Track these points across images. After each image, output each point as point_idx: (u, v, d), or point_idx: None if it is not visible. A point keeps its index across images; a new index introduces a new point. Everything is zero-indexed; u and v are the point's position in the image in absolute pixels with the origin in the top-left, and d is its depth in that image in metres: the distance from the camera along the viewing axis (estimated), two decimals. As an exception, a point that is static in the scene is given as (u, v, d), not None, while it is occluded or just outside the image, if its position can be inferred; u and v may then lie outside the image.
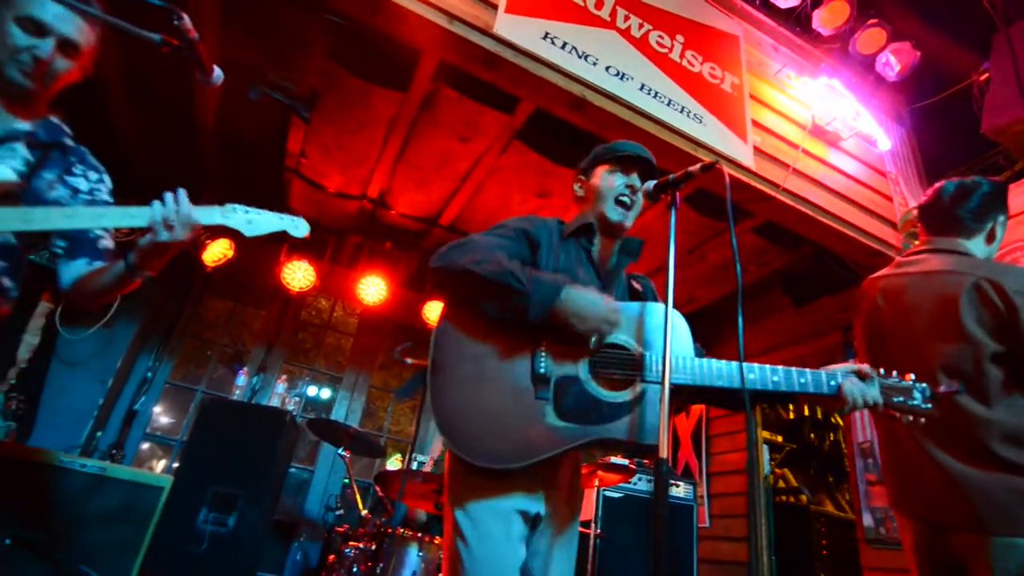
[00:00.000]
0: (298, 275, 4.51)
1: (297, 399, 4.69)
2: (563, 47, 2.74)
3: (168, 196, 1.34)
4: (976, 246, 1.83)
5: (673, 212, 1.44)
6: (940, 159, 3.89)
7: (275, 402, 4.31)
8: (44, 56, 1.35)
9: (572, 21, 2.85)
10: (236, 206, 1.42)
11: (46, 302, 3.65)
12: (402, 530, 2.86)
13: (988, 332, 1.61)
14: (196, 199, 1.37)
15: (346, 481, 4.56)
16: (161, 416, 8.07)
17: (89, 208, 1.41)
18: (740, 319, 1.35)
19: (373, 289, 4.61)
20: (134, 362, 4.47)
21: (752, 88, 3.41)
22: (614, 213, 1.62)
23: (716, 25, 3.45)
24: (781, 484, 4.94)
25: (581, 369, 1.41)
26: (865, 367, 1.47)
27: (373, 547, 2.85)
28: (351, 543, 3.03)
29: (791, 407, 5.40)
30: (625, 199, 1.63)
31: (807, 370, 1.43)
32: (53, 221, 1.29)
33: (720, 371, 1.40)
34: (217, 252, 4.20)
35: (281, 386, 4.44)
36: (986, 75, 3.50)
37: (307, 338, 6.24)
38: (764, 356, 4.48)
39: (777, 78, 3.62)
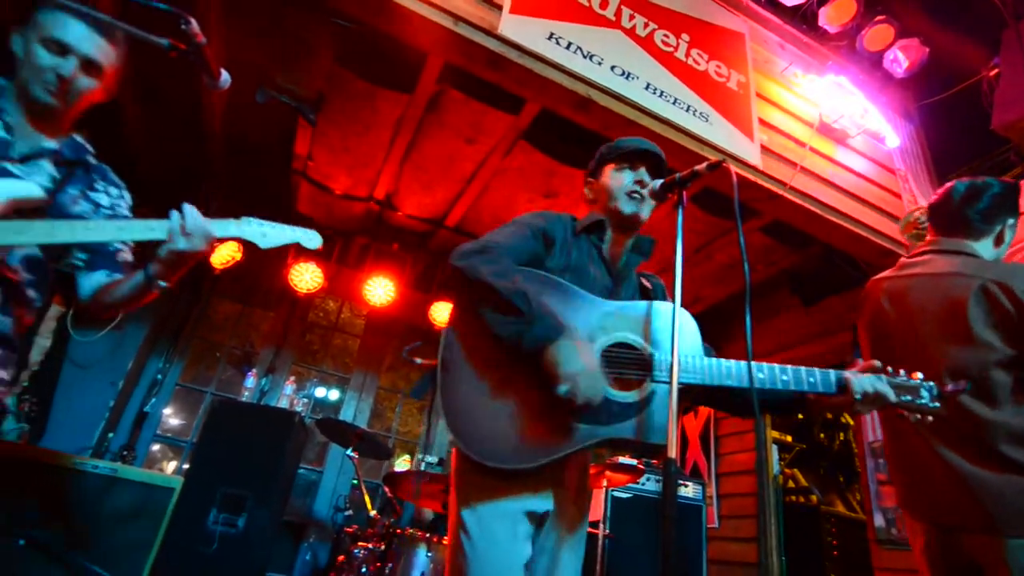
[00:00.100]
0: (305, 277, 4.52)
1: (305, 400, 4.71)
2: (568, 47, 2.74)
3: (186, 207, 1.39)
4: (984, 248, 1.81)
5: (680, 211, 1.43)
6: (949, 156, 3.85)
7: (284, 403, 4.32)
8: (67, 74, 1.40)
9: (577, 21, 2.85)
10: (251, 219, 1.47)
11: (57, 305, 3.68)
12: (411, 530, 2.87)
13: (997, 335, 1.59)
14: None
15: (355, 482, 4.57)
16: (171, 418, 8.14)
17: (111, 221, 1.45)
18: (748, 318, 1.33)
19: (380, 290, 4.63)
20: (144, 364, 4.51)
21: (758, 86, 3.40)
22: (627, 206, 1.60)
23: (722, 23, 3.43)
24: (791, 484, 4.91)
25: (590, 369, 1.40)
26: (875, 362, 1.46)
27: (382, 547, 2.86)
28: (360, 543, 3.04)
29: (800, 416, 5.35)
30: (636, 194, 1.60)
31: (815, 369, 1.43)
32: (77, 234, 1.33)
33: (729, 370, 1.40)
34: (225, 255, 4.22)
35: (290, 387, 4.46)
36: (996, 71, 3.46)
37: (315, 339, 6.26)
38: (772, 356, 4.45)
39: (784, 76, 3.60)
